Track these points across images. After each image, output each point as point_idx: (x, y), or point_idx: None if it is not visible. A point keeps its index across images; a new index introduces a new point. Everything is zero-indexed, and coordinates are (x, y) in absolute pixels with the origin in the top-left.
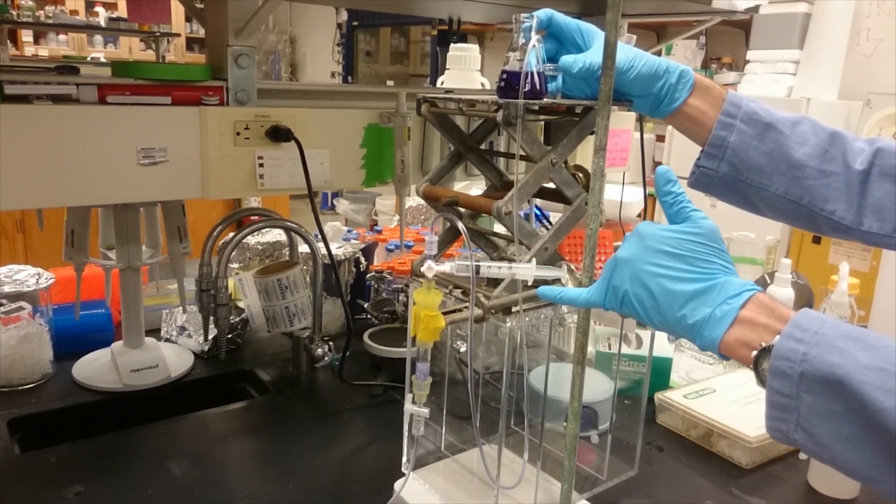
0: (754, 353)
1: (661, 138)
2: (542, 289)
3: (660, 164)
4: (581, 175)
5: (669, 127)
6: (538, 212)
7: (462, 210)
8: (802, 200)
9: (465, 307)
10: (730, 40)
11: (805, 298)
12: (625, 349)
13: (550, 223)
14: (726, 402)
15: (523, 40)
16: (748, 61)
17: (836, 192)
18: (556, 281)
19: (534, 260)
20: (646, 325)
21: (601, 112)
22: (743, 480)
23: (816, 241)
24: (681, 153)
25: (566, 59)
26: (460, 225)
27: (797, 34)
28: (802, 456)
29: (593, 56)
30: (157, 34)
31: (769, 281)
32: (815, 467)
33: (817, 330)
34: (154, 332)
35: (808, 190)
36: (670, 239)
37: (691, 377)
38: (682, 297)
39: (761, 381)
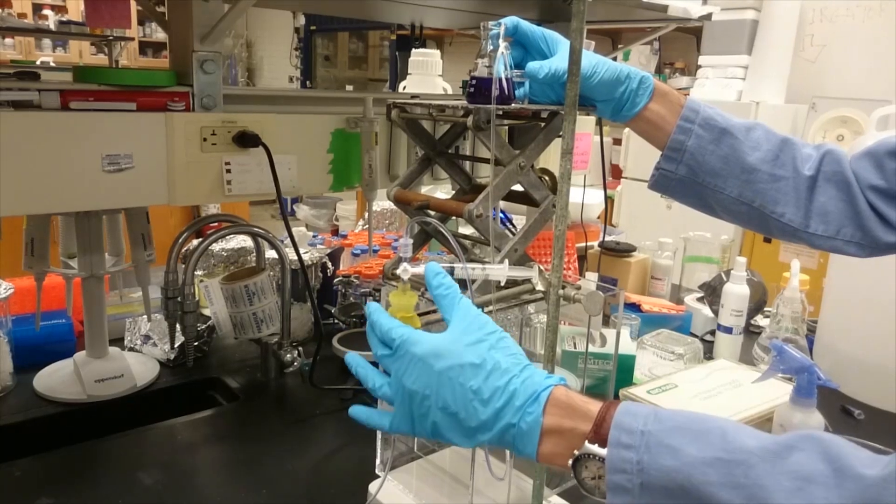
0: (570, 462)
1: (617, 142)
2: (354, 409)
3: (617, 166)
4: (547, 178)
5: (626, 130)
6: (502, 215)
7: (432, 213)
8: (755, 203)
9: None
10: (682, 45)
11: (759, 295)
12: (590, 347)
13: (514, 226)
14: (688, 396)
15: (491, 47)
16: (700, 66)
17: (785, 195)
18: (527, 281)
19: (506, 261)
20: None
21: (568, 117)
22: None
23: (767, 240)
24: (637, 156)
25: (532, 66)
26: (443, 228)
27: (746, 40)
28: None
29: (558, 62)
30: (110, 38)
31: (726, 279)
32: None
33: (643, 429)
34: (117, 341)
35: (760, 193)
36: (469, 350)
37: (654, 373)
38: (492, 414)
39: (588, 491)
